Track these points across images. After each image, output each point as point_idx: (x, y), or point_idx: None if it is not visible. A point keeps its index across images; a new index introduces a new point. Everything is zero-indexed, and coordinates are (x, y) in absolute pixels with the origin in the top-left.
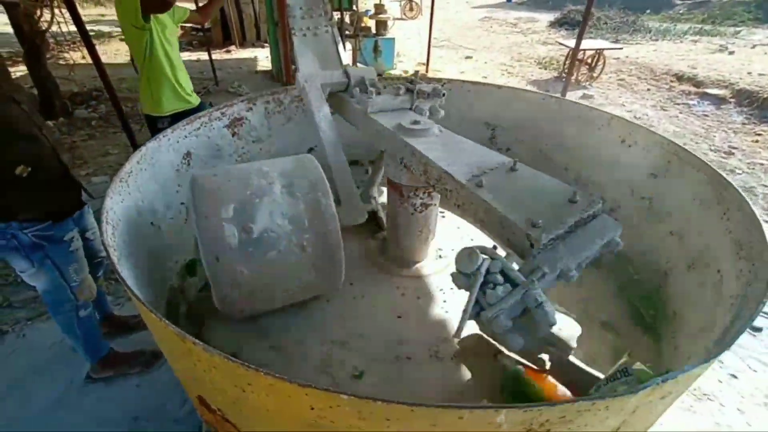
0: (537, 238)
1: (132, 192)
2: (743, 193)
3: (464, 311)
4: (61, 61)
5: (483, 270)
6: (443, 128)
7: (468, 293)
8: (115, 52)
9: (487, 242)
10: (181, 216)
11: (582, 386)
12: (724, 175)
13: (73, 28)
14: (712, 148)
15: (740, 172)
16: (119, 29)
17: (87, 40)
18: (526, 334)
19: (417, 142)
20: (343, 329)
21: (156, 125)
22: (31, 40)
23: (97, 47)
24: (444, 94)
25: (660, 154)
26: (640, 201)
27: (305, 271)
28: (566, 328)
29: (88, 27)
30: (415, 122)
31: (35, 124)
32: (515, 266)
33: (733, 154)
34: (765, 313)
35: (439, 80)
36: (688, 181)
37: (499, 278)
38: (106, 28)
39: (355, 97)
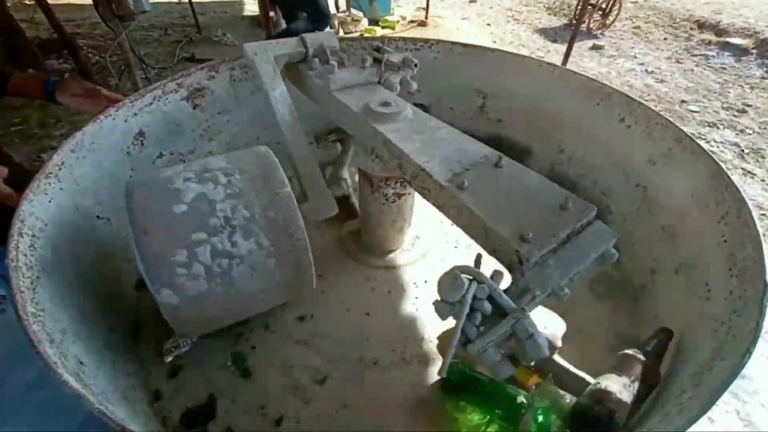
0: (527, 255)
1: (66, 187)
2: (747, 200)
3: (449, 346)
4: (25, 1)
5: (469, 298)
6: (417, 110)
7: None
8: None
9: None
10: None
11: (569, 387)
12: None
13: None
14: (725, 105)
15: (750, 132)
16: None
17: None
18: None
19: (388, 130)
20: (307, 327)
21: None
22: None
23: None
24: (416, 65)
25: (661, 138)
26: (634, 189)
27: (271, 289)
28: (551, 326)
29: None
30: (385, 104)
31: None
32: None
33: (746, 112)
34: None
35: (426, 41)
36: (688, 173)
37: (487, 306)
38: None
39: (315, 70)
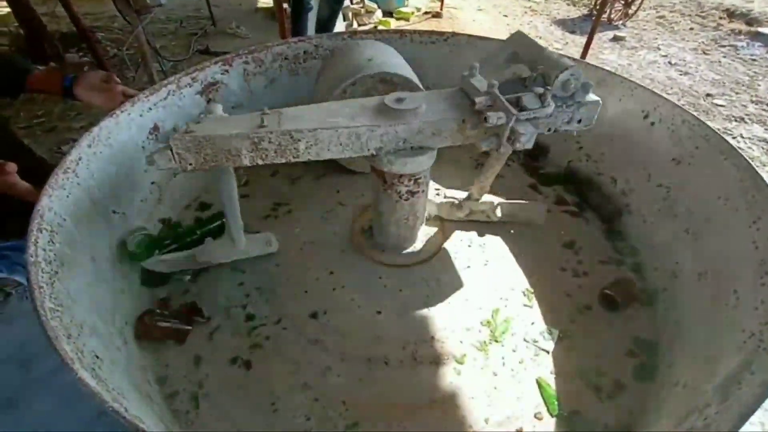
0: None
1: (82, 181)
2: None
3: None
4: None
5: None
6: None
7: None
8: None
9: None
10: (153, 196)
11: None
12: (759, 170)
13: None
14: (754, 99)
15: None
16: None
17: None
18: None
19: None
20: (319, 324)
21: None
22: None
23: None
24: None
25: (687, 135)
26: (656, 189)
27: None
28: None
29: None
30: (399, 100)
31: None
32: None
33: None
34: None
35: (441, 34)
36: (716, 173)
37: None
38: None
39: None
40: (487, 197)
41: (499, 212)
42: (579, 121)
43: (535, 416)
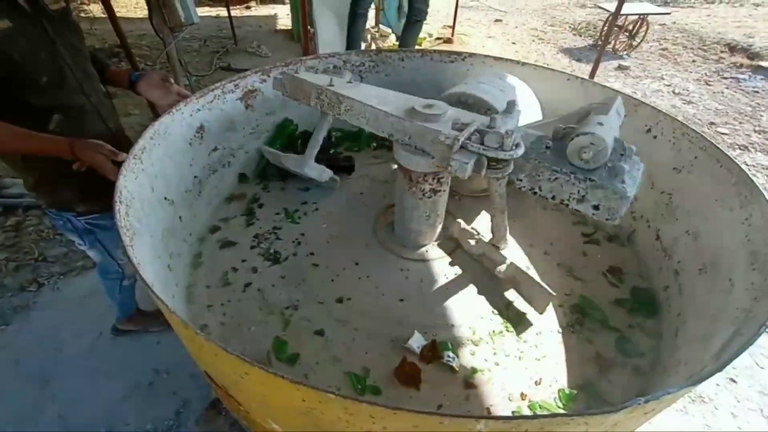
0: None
1: (146, 168)
2: None
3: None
4: (81, 14)
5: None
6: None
7: None
8: (135, 5)
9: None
10: (195, 189)
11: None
12: (751, 175)
13: None
14: (757, 129)
15: None
16: None
17: None
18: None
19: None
20: (345, 308)
21: None
22: None
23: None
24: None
25: (687, 147)
26: (659, 195)
27: None
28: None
29: None
30: (428, 106)
31: (79, 85)
32: None
33: None
34: None
35: (459, 54)
36: (713, 179)
37: None
38: None
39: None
40: (507, 251)
41: (503, 270)
42: (595, 208)
43: (536, 383)
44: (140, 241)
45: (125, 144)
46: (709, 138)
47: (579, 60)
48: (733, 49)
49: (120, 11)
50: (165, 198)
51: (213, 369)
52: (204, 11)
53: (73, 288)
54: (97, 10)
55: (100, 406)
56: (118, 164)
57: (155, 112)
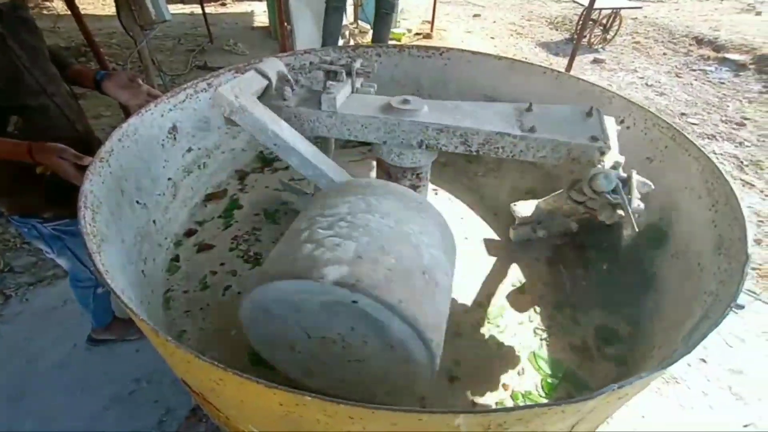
0: (604, 146)
1: (114, 171)
2: (732, 183)
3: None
4: (43, 11)
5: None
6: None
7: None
8: (102, 2)
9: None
10: (169, 191)
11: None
12: (717, 163)
13: None
14: (724, 118)
15: (749, 144)
16: None
17: None
18: None
19: (434, 118)
20: None
21: None
22: None
23: None
24: (369, 74)
25: (658, 137)
26: None
27: None
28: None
29: None
30: (405, 101)
31: (39, 85)
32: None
33: (744, 125)
34: (747, 290)
35: (437, 49)
36: (682, 167)
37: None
38: None
39: (289, 99)
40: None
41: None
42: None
43: (518, 373)
44: (110, 248)
45: (95, 146)
46: (678, 128)
47: (556, 54)
48: (700, 41)
49: (86, 8)
50: (137, 202)
51: (188, 376)
52: (177, 8)
53: (44, 298)
54: (60, 7)
55: (79, 419)
56: (85, 168)
57: (127, 114)
